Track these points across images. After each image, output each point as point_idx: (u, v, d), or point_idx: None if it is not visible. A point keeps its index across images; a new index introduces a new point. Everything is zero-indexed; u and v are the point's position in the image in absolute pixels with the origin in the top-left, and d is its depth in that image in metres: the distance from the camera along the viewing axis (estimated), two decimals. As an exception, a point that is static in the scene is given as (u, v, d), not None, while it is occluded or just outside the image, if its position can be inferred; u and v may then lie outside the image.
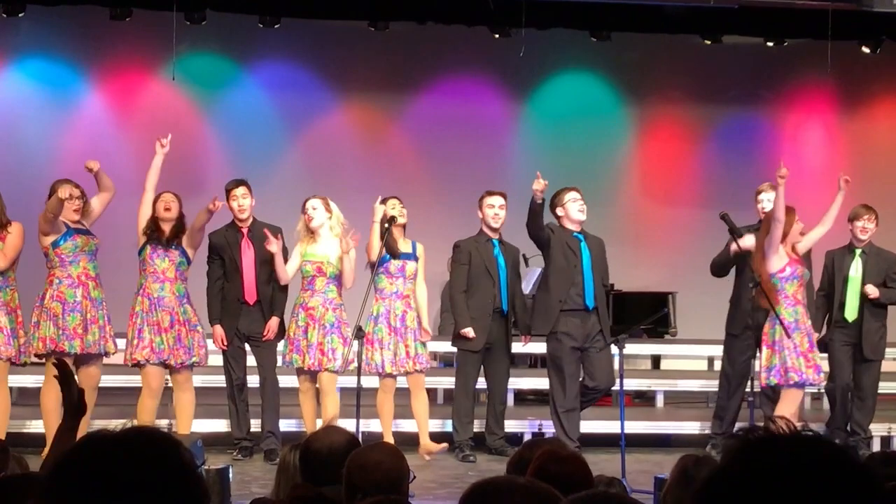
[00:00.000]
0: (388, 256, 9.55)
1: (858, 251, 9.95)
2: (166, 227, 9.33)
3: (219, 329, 9.60)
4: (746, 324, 9.63)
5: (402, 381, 9.77)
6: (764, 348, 9.21)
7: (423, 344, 9.74)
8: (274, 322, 9.60)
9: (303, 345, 9.44)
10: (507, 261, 9.94)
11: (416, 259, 9.74)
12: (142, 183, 9.57)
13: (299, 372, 9.54)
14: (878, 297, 9.87)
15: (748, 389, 9.28)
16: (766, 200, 9.76)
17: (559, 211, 9.79)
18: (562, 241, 9.68)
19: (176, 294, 9.35)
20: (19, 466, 4.46)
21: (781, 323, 8.97)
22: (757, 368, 9.27)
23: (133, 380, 9.75)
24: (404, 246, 9.69)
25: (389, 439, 9.23)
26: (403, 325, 9.62)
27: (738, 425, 10.08)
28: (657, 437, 10.55)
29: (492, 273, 9.86)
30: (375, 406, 9.60)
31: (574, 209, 9.73)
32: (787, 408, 9.06)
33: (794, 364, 9.08)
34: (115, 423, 2.06)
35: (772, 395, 9.42)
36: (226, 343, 9.58)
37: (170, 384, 9.53)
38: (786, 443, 1.75)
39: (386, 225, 9.50)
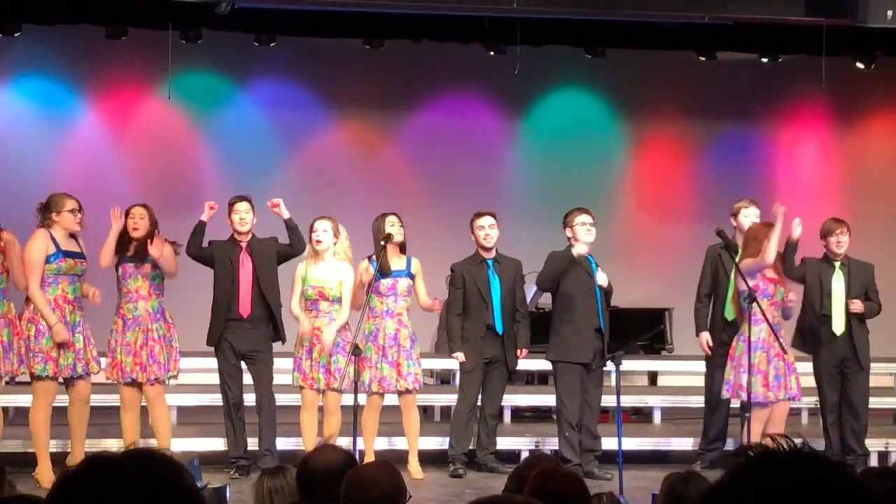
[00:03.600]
0: (378, 275, 9.56)
1: (837, 264, 9.95)
2: (132, 243, 9.33)
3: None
4: (721, 340, 9.91)
5: (393, 399, 9.78)
6: (728, 363, 9.48)
7: (417, 363, 9.73)
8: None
9: (305, 364, 9.46)
10: (503, 280, 9.94)
11: (411, 276, 9.74)
12: (138, 200, 9.61)
13: (302, 388, 9.55)
14: (863, 312, 9.88)
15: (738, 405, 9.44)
16: (753, 216, 9.92)
17: (568, 232, 9.89)
18: (577, 266, 9.74)
19: (150, 311, 9.35)
20: (10, 486, 4.44)
21: (749, 340, 9.15)
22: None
23: (114, 399, 9.69)
24: (397, 263, 9.68)
25: (371, 456, 9.23)
26: (396, 344, 9.62)
27: (730, 441, 10.16)
28: (655, 454, 10.54)
29: (484, 296, 9.90)
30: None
31: (581, 232, 9.82)
32: (755, 426, 9.21)
33: (746, 382, 9.28)
34: (115, 445, 2.07)
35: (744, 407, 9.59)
36: (209, 344, 9.61)
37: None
38: (783, 459, 1.76)
39: (382, 242, 9.52)
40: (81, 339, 9.18)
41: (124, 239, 9.33)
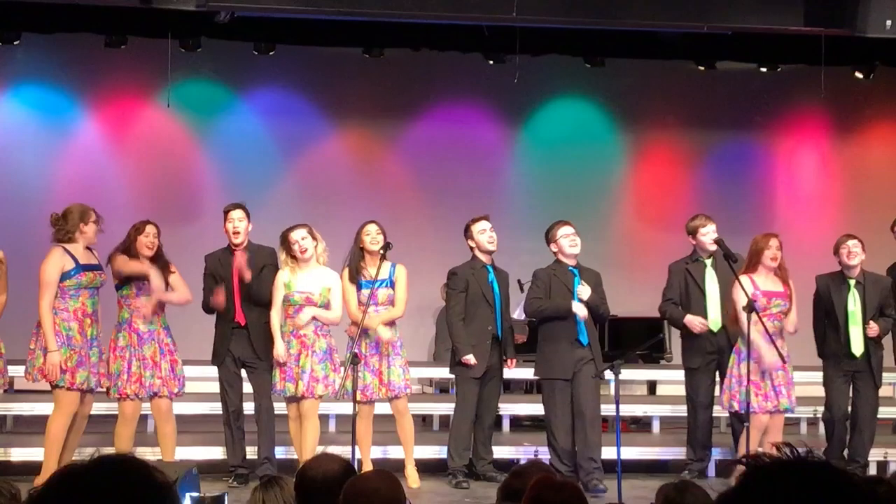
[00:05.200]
0: (362, 284, 9.52)
1: (853, 282, 9.82)
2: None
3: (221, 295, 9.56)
4: (705, 351, 9.87)
5: (386, 408, 9.75)
6: (728, 375, 9.48)
7: (404, 369, 9.67)
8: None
9: (295, 372, 9.39)
10: (501, 286, 9.95)
11: (391, 284, 9.67)
12: (137, 208, 9.59)
13: (289, 400, 9.49)
14: (878, 334, 9.83)
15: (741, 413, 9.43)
16: (713, 232, 9.87)
17: (553, 247, 9.86)
18: (558, 283, 9.75)
19: (162, 326, 9.34)
20: (11, 496, 4.42)
21: (748, 352, 9.17)
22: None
23: (112, 407, 9.67)
24: (375, 273, 9.63)
25: (369, 465, 9.19)
26: (377, 353, 9.55)
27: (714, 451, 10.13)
28: (653, 464, 10.53)
29: (489, 299, 9.86)
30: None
31: (566, 245, 9.79)
32: (753, 435, 9.24)
33: (738, 393, 9.32)
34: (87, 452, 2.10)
35: (740, 418, 9.60)
36: (214, 363, 9.59)
37: (146, 411, 9.49)
38: (792, 468, 1.76)
39: (382, 251, 9.50)
40: (97, 353, 9.16)
41: (135, 256, 9.26)
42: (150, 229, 9.30)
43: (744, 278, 9.36)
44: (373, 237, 9.60)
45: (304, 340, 9.41)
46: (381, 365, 9.54)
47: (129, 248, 9.26)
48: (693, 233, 10.03)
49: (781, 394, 9.39)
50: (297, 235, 9.45)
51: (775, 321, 9.39)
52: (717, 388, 9.81)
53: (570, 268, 9.84)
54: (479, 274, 9.90)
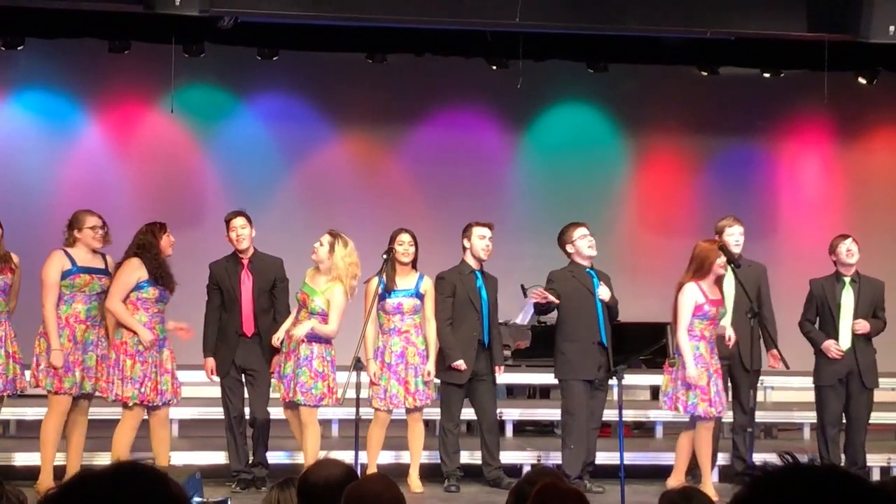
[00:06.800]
0: (386, 293, 9.52)
1: (847, 279, 9.89)
2: (166, 268, 9.26)
3: (210, 361, 9.59)
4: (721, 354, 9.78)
5: (402, 413, 9.75)
6: (667, 376, 9.51)
7: (426, 381, 9.68)
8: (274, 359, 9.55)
9: (280, 372, 9.39)
10: (489, 292, 9.93)
11: (419, 295, 9.67)
12: (141, 213, 9.58)
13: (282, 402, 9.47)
14: (868, 332, 9.84)
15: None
16: (739, 234, 9.89)
17: (569, 248, 9.85)
18: (577, 284, 9.74)
19: (167, 331, 9.33)
20: (17, 500, 4.43)
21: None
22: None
23: (115, 412, 9.64)
24: (406, 282, 9.62)
25: (374, 471, 9.18)
26: (403, 361, 9.56)
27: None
28: (657, 469, 10.51)
29: (475, 305, 9.85)
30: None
31: (584, 246, 9.81)
32: (697, 437, 9.37)
33: (683, 396, 9.34)
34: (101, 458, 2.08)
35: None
36: (218, 374, 9.57)
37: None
38: (803, 472, 1.77)
39: (384, 256, 9.50)
40: (94, 357, 9.13)
41: (162, 261, 9.18)
42: (169, 230, 9.30)
43: (692, 286, 9.38)
44: (405, 248, 9.60)
45: (291, 343, 9.37)
46: (407, 374, 9.54)
47: (149, 249, 9.14)
48: (719, 233, 10.06)
49: (723, 400, 9.45)
50: (321, 239, 9.41)
51: (715, 328, 9.44)
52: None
53: (587, 269, 9.86)
54: (467, 279, 9.90)
